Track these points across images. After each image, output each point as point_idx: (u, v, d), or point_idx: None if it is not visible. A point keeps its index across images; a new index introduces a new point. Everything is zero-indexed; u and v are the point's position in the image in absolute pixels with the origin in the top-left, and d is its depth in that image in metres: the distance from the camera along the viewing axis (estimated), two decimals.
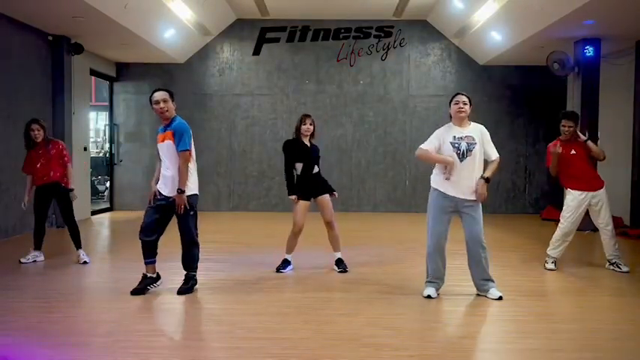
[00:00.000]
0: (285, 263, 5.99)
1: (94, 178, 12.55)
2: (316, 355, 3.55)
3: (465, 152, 4.71)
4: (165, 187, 4.93)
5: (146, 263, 5.03)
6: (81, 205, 7.97)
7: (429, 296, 4.86)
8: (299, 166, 5.85)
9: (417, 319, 4.40)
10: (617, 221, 9.57)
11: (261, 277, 5.71)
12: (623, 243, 8.23)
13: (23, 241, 7.75)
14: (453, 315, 4.58)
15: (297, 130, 5.86)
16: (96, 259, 6.68)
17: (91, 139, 12.73)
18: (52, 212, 8.97)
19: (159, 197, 4.95)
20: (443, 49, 11.92)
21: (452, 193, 4.77)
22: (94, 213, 11.08)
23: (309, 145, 5.87)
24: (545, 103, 11.54)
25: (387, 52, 11.77)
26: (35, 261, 6.38)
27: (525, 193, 11.95)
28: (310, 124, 5.84)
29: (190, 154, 4.92)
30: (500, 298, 4.83)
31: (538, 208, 11.60)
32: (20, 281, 5.50)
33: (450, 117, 4.92)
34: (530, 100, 11.87)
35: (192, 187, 4.97)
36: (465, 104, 4.81)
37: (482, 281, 4.96)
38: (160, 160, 5.03)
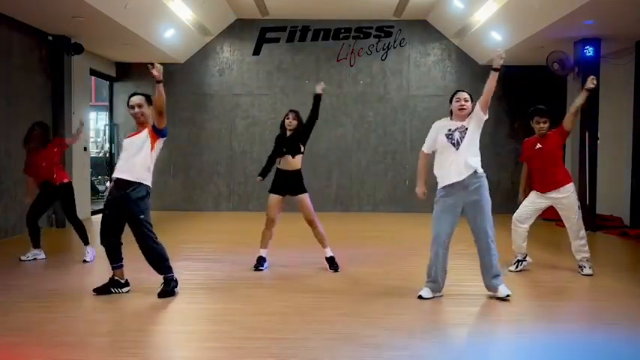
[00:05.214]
0: (262, 260, 6.01)
1: (94, 178, 12.55)
2: (316, 355, 3.55)
3: (458, 141, 4.69)
4: (129, 172, 4.91)
5: (113, 268, 4.97)
6: (81, 205, 7.97)
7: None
8: (282, 159, 6.07)
9: (417, 319, 4.39)
10: (617, 221, 9.61)
11: (260, 277, 5.71)
12: (623, 243, 8.25)
13: (23, 241, 7.76)
14: (453, 315, 4.58)
15: (282, 125, 6.14)
16: (96, 259, 6.69)
17: (91, 139, 12.74)
18: (52, 212, 8.99)
19: (110, 196, 4.97)
20: (443, 49, 11.92)
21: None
22: (94, 213, 11.07)
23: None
24: (545, 103, 11.43)
25: (387, 52, 11.78)
26: (35, 259, 6.43)
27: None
28: (294, 119, 6.02)
29: (157, 137, 4.87)
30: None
31: None
32: (20, 281, 5.50)
33: (450, 113, 4.84)
34: (530, 100, 11.79)
35: (148, 177, 4.95)
36: (467, 101, 4.72)
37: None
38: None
